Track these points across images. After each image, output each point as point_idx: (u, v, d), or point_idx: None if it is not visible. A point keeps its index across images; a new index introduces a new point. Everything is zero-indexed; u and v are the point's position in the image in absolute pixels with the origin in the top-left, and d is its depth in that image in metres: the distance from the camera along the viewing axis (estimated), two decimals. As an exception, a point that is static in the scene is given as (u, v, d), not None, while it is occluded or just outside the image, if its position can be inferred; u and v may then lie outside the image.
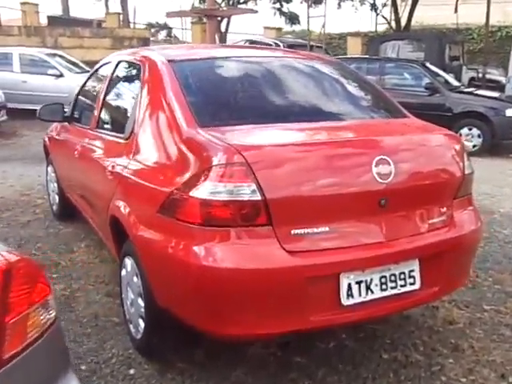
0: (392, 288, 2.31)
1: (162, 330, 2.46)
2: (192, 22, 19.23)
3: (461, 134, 8.72)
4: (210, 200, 2.06)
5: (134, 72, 3.08)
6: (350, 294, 2.21)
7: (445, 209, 2.48)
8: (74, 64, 11.90)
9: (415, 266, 2.36)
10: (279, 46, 13.52)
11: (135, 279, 2.56)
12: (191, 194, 2.10)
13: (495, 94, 9.67)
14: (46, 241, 4.32)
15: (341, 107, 2.79)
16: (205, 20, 14.32)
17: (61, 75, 11.00)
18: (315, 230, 2.15)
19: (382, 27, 18.86)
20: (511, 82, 11.05)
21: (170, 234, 2.21)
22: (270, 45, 13.20)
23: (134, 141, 2.71)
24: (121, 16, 20.68)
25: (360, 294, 2.23)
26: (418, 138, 2.58)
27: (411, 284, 2.35)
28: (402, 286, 2.33)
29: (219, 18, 17.20)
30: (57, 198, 4.73)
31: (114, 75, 3.44)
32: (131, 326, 2.70)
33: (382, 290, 2.28)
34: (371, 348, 2.77)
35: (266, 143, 2.21)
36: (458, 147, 2.59)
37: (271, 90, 2.74)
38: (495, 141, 8.81)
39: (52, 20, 19.81)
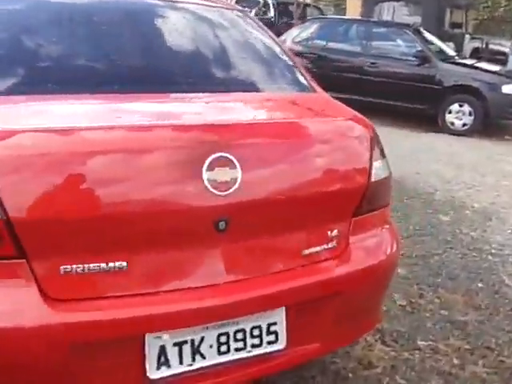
0: (238, 350, 1.55)
1: None
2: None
3: (451, 111, 7.85)
4: None
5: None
6: (163, 363, 1.46)
7: (335, 232, 1.68)
8: None
9: (278, 317, 1.59)
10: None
11: None
12: None
13: (495, 68, 8.66)
14: None
15: (200, 73, 1.89)
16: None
17: None
18: (104, 265, 1.38)
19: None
20: (514, 54, 10.01)
21: None
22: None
23: None
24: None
25: (181, 362, 1.48)
26: (299, 125, 1.73)
27: (271, 343, 1.60)
28: (254, 346, 1.57)
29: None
30: None
31: None
32: None
33: (220, 353, 1.52)
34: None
35: (24, 128, 1.40)
36: (364, 140, 1.77)
37: (101, 44, 1.85)
38: (489, 120, 7.89)
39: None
